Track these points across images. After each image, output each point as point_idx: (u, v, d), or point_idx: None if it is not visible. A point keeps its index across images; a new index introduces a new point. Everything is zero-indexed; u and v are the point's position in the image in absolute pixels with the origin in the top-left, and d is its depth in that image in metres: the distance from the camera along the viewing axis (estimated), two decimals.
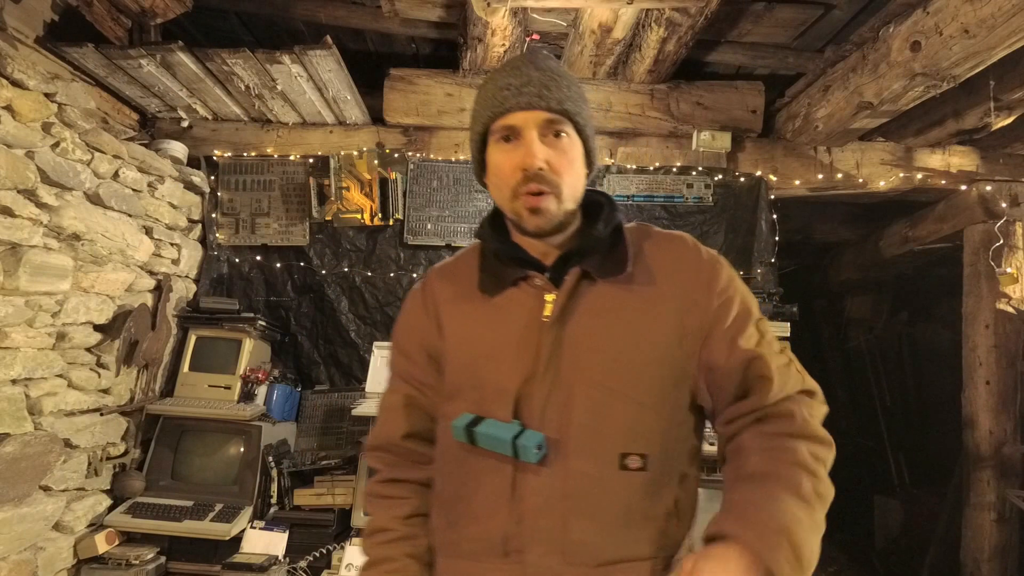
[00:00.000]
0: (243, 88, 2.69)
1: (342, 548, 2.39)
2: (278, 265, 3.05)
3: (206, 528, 2.34)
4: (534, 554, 0.84)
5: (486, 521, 0.87)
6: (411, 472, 0.99)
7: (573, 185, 0.92)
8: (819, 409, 0.90)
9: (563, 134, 0.91)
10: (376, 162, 3.01)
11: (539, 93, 0.89)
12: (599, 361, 0.88)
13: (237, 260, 3.05)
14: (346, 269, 3.05)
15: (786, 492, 0.79)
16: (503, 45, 2.64)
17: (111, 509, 2.41)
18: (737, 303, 0.93)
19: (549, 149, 0.90)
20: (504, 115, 0.90)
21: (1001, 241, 3.19)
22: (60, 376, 2.19)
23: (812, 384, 0.92)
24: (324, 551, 2.42)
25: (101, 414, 2.38)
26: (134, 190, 2.49)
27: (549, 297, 0.91)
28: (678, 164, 3.12)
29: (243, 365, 2.71)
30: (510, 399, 0.87)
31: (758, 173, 3.14)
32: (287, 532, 2.42)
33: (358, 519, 2.48)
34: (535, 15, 2.53)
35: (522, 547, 0.85)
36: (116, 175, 2.38)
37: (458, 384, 0.94)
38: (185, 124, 3.03)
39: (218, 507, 2.43)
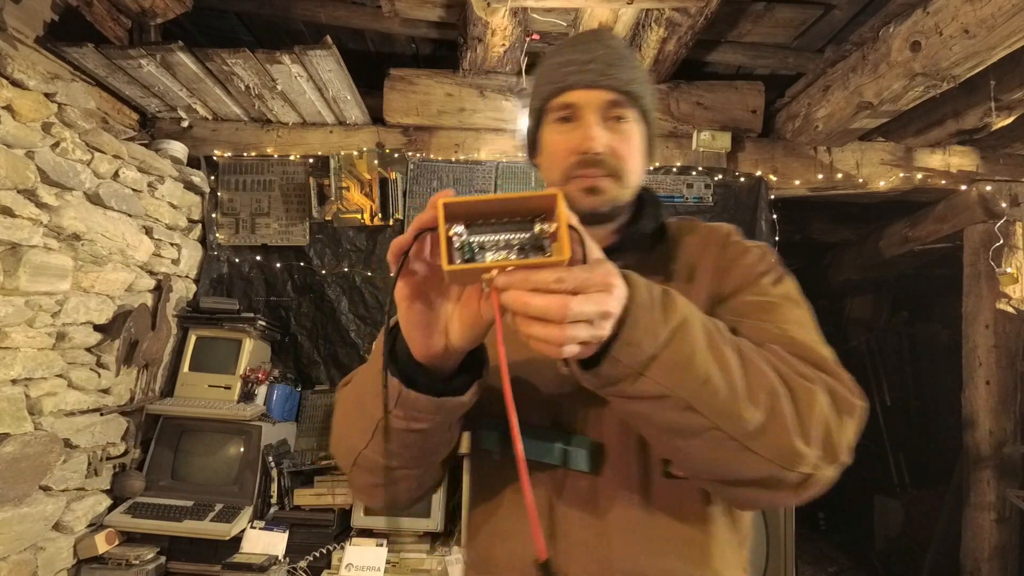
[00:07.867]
0: (243, 88, 2.69)
1: (342, 548, 2.39)
2: (278, 265, 3.05)
3: (206, 528, 2.34)
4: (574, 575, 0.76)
5: (520, 538, 0.79)
6: None
7: (635, 172, 0.84)
8: (852, 387, 0.71)
9: (626, 119, 0.83)
10: (376, 162, 3.01)
11: (604, 71, 0.81)
12: None
13: (237, 260, 3.05)
14: (346, 269, 3.05)
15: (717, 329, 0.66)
16: (503, 45, 2.64)
17: (111, 509, 2.41)
18: (761, 272, 0.81)
19: (610, 133, 0.81)
20: (564, 92, 0.83)
21: (1001, 241, 3.19)
22: (60, 376, 2.19)
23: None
24: (324, 551, 2.42)
25: (101, 414, 2.38)
26: (134, 190, 2.49)
27: None
28: (678, 164, 3.12)
29: (243, 365, 2.71)
30: (546, 402, 0.80)
31: (758, 173, 3.14)
32: (287, 532, 2.42)
33: (358, 519, 2.49)
34: (535, 15, 2.53)
35: (559, 567, 0.76)
36: (116, 175, 2.38)
37: (487, 388, 0.86)
38: (185, 124, 3.03)
39: (218, 507, 2.43)
